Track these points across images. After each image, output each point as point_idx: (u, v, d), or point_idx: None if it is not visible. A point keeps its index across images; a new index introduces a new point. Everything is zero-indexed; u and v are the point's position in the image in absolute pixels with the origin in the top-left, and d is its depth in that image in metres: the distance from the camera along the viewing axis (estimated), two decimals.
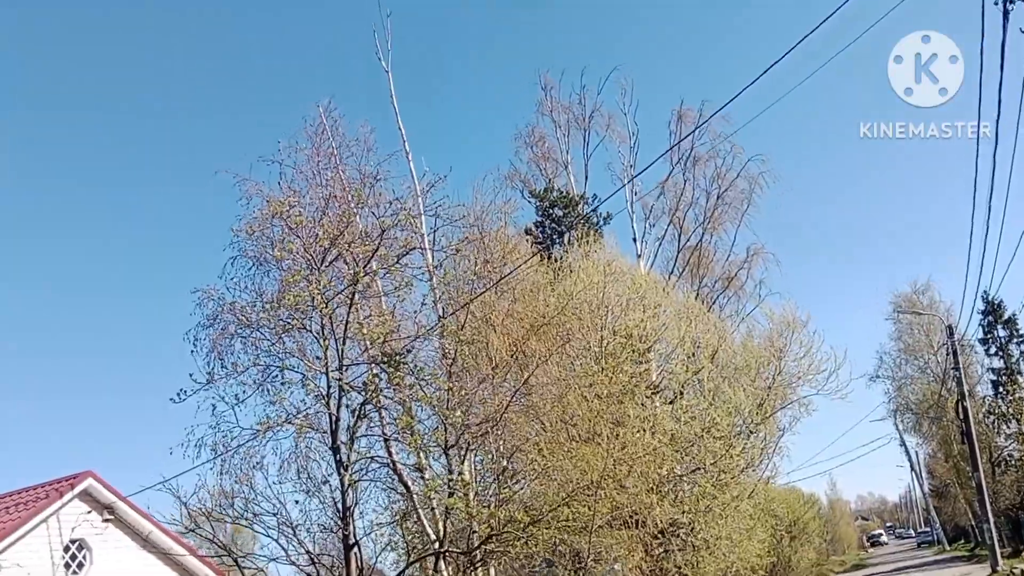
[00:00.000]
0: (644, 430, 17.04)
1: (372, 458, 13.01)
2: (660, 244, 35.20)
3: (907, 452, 67.22)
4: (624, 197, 35.45)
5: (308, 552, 12.61)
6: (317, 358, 12.18)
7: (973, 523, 64.82)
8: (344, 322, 11.88)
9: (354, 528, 12.55)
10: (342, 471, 11.84)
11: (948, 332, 36.08)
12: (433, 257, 14.94)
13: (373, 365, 11.90)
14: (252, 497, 12.79)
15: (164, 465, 18.88)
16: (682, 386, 21.14)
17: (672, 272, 33.14)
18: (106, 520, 18.15)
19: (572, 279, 19.40)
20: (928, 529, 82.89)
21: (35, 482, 19.00)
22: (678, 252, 34.84)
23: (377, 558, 12.82)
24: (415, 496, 14.40)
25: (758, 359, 22.06)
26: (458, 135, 75.80)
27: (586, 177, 35.01)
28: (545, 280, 19.29)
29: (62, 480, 18.06)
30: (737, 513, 19.09)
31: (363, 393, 11.79)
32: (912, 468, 69.92)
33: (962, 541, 67.76)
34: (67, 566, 17.40)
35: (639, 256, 33.54)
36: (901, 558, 62.63)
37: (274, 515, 12.61)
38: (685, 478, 18.92)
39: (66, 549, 17.43)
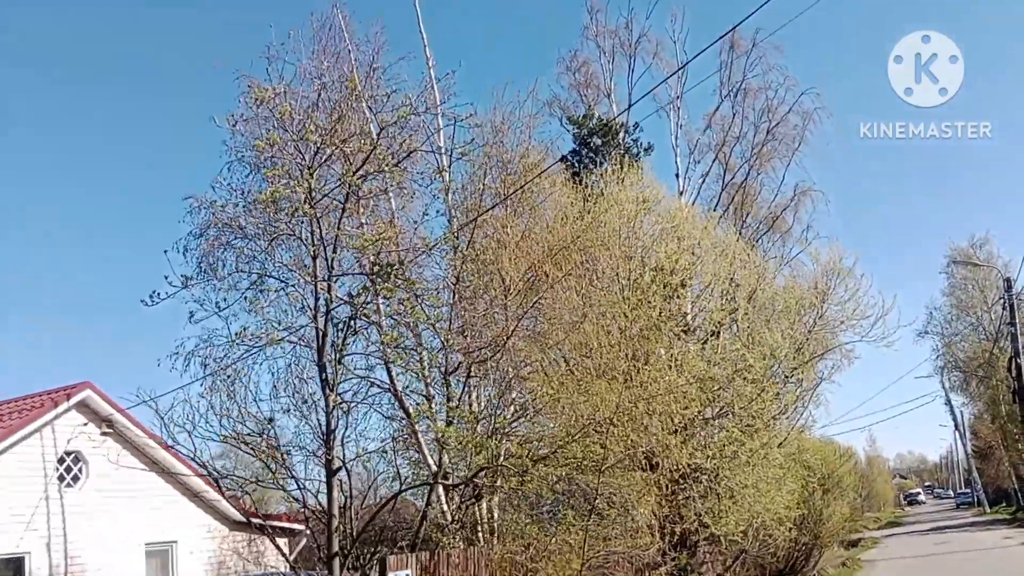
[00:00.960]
0: (670, 367, 15.78)
1: (365, 378, 11.99)
2: (704, 181, 33.45)
3: (952, 411, 65.18)
4: (669, 131, 33.81)
5: (293, 476, 11.72)
6: (306, 267, 11.09)
7: (1016, 487, 63.00)
8: (335, 227, 10.73)
9: (344, 454, 11.60)
10: (327, 391, 10.82)
11: (1006, 286, 34.02)
12: (446, 165, 13.63)
13: (364, 276, 10.75)
14: (237, 415, 11.89)
15: (156, 381, 18.22)
16: (716, 326, 19.79)
17: (715, 211, 31.41)
18: (104, 433, 17.57)
19: (602, 204, 17.99)
20: (968, 491, 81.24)
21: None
22: (722, 190, 33.08)
23: (370, 487, 11.88)
24: (416, 424, 13.41)
25: (799, 301, 20.51)
26: (497, 61, 73.24)
27: (629, 107, 33.16)
28: (572, 205, 17.94)
29: (59, 390, 17.47)
30: (766, 461, 17.82)
31: (351, 305, 10.70)
32: (956, 427, 67.81)
33: (1003, 504, 66.01)
34: (61, 479, 16.88)
35: (681, 193, 31.80)
36: (939, 518, 61.12)
37: (259, 435, 11.69)
38: (712, 422, 17.66)
39: (60, 461, 16.89)
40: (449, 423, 11.89)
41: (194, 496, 19.57)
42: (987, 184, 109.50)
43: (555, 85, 33.89)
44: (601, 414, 12.56)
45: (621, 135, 29.41)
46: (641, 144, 30.24)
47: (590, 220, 17.30)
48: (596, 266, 16.27)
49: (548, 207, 18.57)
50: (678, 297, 17.78)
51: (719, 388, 17.47)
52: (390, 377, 13.69)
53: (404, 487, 11.92)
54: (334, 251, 10.80)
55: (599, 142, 29.03)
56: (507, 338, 12.14)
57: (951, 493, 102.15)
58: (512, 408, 14.62)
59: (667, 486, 15.39)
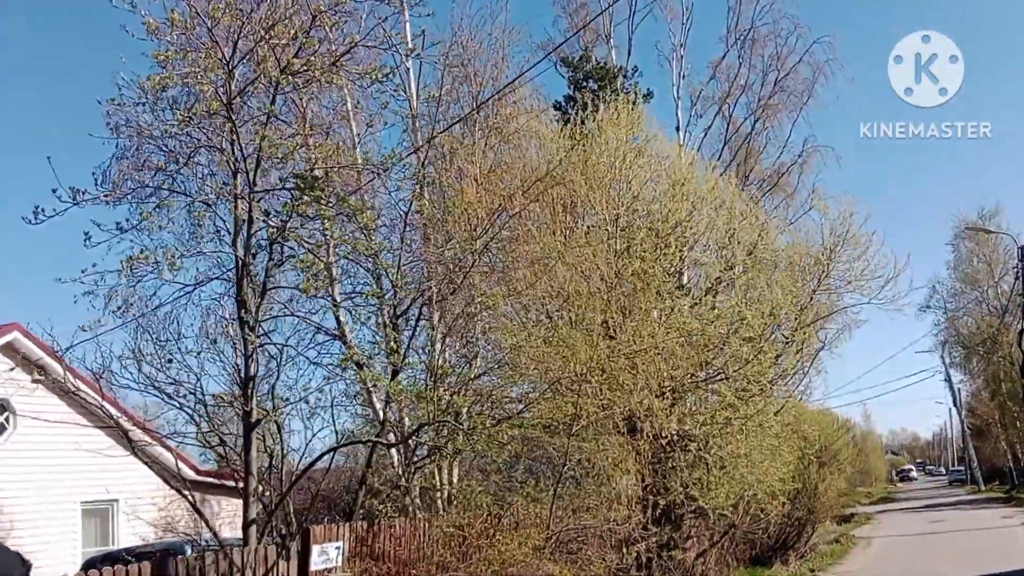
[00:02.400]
0: (658, 323, 14.12)
1: (304, 318, 10.27)
2: (706, 135, 31.66)
3: (951, 387, 63.75)
4: (670, 82, 31.97)
5: (212, 428, 10.09)
6: (225, 184, 9.34)
7: (1011, 465, 61.89)
8: (259, 136, 8.95)
9: (274, 405, 9.96)
10: (246, 330, 9.12)
11: (1020, 254, 32.35)
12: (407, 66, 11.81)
13: (286, 190, 8.98)
14: (158, 359, 10.24)
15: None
16: (712, 282, 18.13)
17: (716, 167, 29.65)
18: (36, 381, 15.91)
19: (591, 141, 16.20)
20: (961, 468, 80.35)
21: None
22: (724, 145, 31.35)
23: (307, 446, 10.24)
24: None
25: (803, 257, 18.79)
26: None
27: (629, 53, 31.09)
28: (556, 141, 16.14)
29: None
30: (761, 430, 16.22)
31: (271, 226, 8.98)
32: (954, 403, 66.48)
33: (996, 483, 64.90)
34: None
35: (680, 147, 30.06)
36: (932, 495, 60.03)
37: (173, 383, 10.04)
38: (704, 385, 16.02)
39: None
40: (395, 373, 10.23)
41: (139, 451, 17.98)
42: (994, 163, 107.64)
43: (551, 29, 32.09)
44: (573, 369, 10.89)
45: (619, 80, 27.43)
46: (640, 91, 28.31)
47: (575, 157, 15.57)
48: (578, 206, 14.53)
49: (531, 146, 16.82)
50: (670, 247, 16.04)
51: (712, 348, 15.82)
52: (338, 321, 12.01)
53: (340, 443, 10.26)
54: (257, 165, 9.05)
55: (595, 87, 27.07)
56: (464, 275, 10.45)
57: (943, 471, 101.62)
58: (478, 360, 12.96)
59: (651, 454, 13.81)
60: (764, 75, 30.40)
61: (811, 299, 18.67)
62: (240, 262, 9.08)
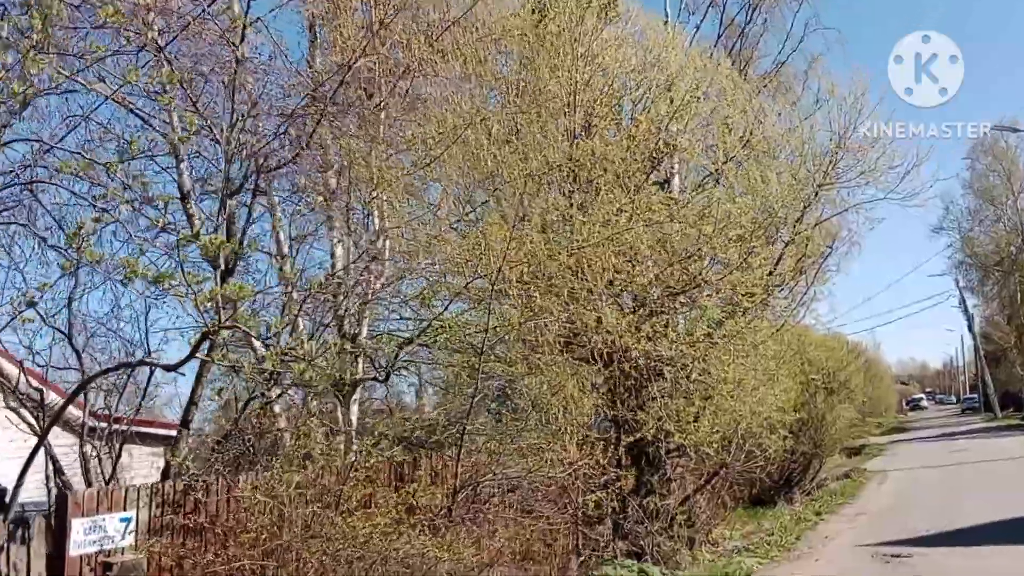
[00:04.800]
0: (616, 216, 11.02)
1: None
2: (697, 31, 28.15)
3: (965, 310, 60.63)
4: None
5: None
6: None
7: None
8: None
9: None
10: None
11: None
12: None
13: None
14: None
15: None
16: (701, 181, 15.06)
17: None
18: None
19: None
20: (974, 396, 78.01)
21: None
22: (718, 39, 27.91)
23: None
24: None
25: (808, 145, 15.57)
26: None
27: None
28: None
29: None
30: (754, 351, 13.29)
31: None
32: (969, 328, 63.53)
33: (1012, 409, 62.28)
34: None
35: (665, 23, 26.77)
36: (946, 423, 57.47)
37: None
38: (680, 298, 12.96)
39: None
40: (227, 272, 7.23)
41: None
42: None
43: None
44: (486, 266, 7.86)
45: None
46: None
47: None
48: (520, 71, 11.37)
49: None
50: (640, 126, 12.89)
51: (693, 252, 12.76)
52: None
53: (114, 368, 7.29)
54: None
55: None
56: (311, 133, 7.38)
57: (953, 399, 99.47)
58: (387, 264, 9.98)
59: (608, 379, 10.89)
60: None
61: (816, 194, 15.55)
62: None
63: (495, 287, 7.86)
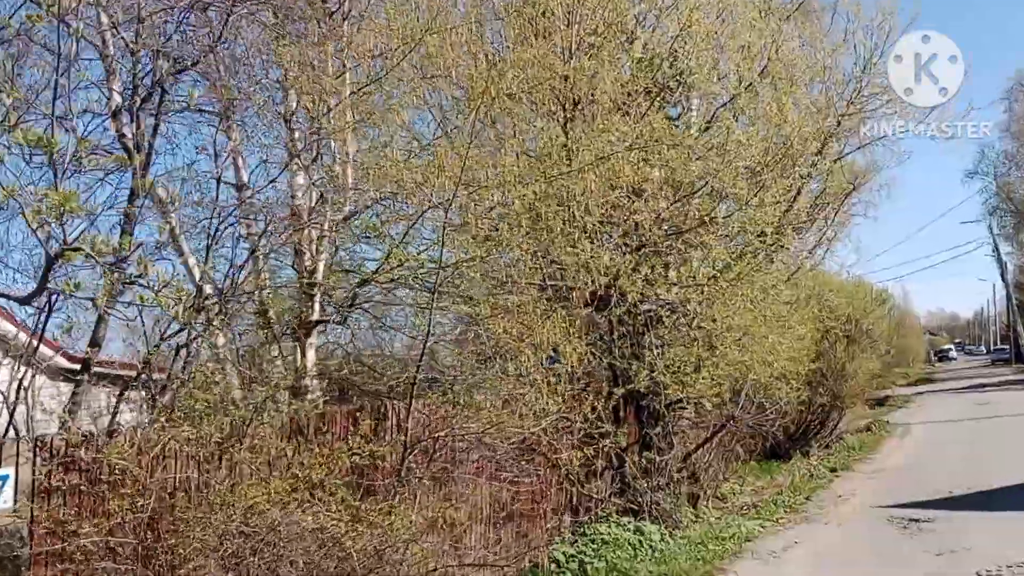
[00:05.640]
0: (610, 145, 9.79)
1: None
2: None
3: (999, 258, 58.53)
4: None
5: None
6: None
7: None
8: None
9: None
10: None
11: None
12: None
13: None
14: None
15: None
16: (710, 102, 13.76)
17: None
18: None
19: None
20: (1005, 347, 76.02)
21: None
22: None
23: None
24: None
25: (827, 68, 14.16)
26: None
27: None
28: None
29: None
30: (764, 296, 12.11)
31: None
32: (1002, 276, 61.46)
33: None
34: None
35: None
36: (975, 375, 55.83)
37: None
38: (683, 237, 11.74)
39: None
40: (134, 197, 6.18)
41: None
42: None
43: None
44: (439, 193, 6.75)
45: None
46: None
47: None
48: None
49: None
50: (636, 41, 11.60)
51: (700, 184, 11.53)
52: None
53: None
54: None
55: None
56: (225, 21, 6.24)
57: (984, 350, 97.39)
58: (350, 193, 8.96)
59: (610, 327, 9.83)
60: None
61: (839, 123, 14.19)
62: None
63: (448, 215, 6.79)
